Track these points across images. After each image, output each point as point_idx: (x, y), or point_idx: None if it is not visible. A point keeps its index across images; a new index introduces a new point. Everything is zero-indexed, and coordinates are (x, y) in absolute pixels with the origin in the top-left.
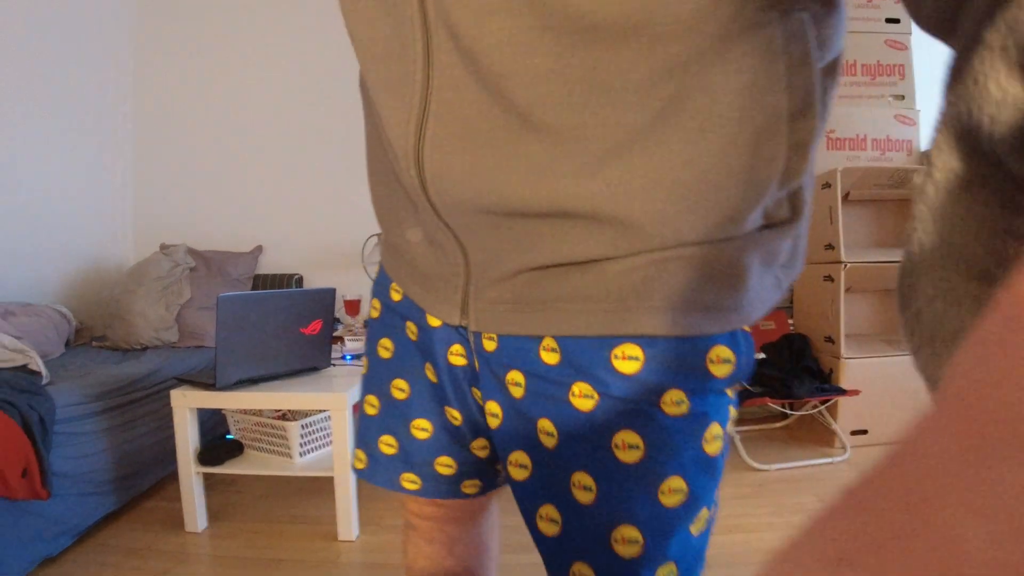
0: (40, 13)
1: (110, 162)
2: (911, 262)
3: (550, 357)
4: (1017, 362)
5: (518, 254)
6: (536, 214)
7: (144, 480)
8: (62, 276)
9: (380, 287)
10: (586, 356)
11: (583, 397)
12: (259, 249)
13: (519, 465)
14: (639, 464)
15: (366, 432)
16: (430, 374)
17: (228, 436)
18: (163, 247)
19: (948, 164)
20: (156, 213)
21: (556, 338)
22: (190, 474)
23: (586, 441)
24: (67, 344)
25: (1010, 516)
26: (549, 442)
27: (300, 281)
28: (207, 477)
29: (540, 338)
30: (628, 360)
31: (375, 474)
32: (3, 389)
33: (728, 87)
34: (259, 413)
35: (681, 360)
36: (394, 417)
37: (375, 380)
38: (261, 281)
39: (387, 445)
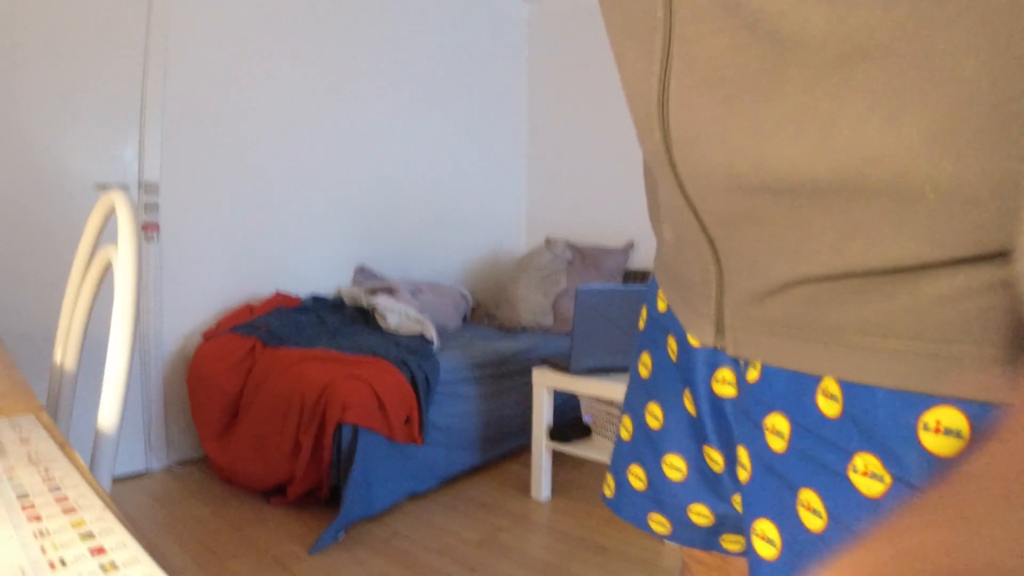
0: (453, 48)
1: (508, 167)
2: None
3: (829, 407)
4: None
5: (788, 256)
6: (811, 190)
7: (503, 445)
8: (466, 263)
9: (649, 293)
10: (881, 417)
11: (868, 477)
12: (631, 245)
13: (765, 539)
14: None
15: (618, 457)
16: (688, 403)
17: (581, 419)
18: (547, 241)
19: None
20: (543, 211)
21: (840, 382)
22: (541, 448)
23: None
24: (464, 319)
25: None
26: (813, 523)
27: None
28: (556, 453)
29: (819, 378)
30: (944, 436)
31: (622, 506)
32: (400, 351)
33: None
34: (608, 402)
35: None
36: (646, 447)
37: (631, 400)
38: (631, 276)
39: (636, 478)
